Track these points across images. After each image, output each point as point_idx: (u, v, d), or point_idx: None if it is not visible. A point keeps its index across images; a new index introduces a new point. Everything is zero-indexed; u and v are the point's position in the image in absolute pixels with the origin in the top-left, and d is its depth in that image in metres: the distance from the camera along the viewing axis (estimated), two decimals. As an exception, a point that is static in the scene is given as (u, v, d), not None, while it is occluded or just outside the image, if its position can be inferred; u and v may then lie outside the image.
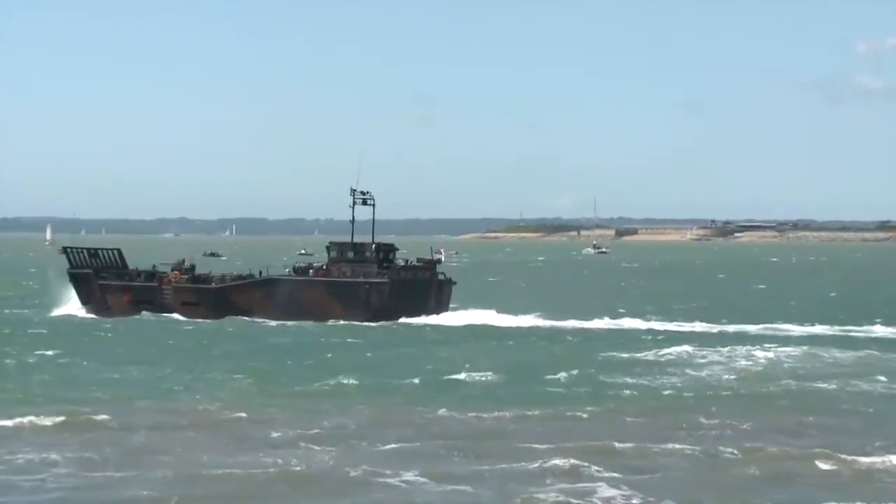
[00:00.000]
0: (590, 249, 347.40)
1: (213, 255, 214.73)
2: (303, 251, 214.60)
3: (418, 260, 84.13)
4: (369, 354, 60.63)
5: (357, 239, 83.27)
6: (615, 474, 32.70)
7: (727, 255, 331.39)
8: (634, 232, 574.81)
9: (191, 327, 74.73)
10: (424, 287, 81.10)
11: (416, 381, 50.13)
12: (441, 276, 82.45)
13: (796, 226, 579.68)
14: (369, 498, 30.26)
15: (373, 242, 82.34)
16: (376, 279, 79.29)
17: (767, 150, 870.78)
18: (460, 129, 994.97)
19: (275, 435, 37.43)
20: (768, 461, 34.88)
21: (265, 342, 66.28)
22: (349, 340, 67.46)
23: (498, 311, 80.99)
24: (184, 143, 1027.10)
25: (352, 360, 57.46)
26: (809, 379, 52.58)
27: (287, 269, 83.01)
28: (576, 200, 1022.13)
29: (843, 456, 35.02)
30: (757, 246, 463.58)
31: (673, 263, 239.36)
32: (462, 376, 51.71)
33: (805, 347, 64.76)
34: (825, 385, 50.77)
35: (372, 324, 75.99)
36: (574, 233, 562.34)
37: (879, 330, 75.46)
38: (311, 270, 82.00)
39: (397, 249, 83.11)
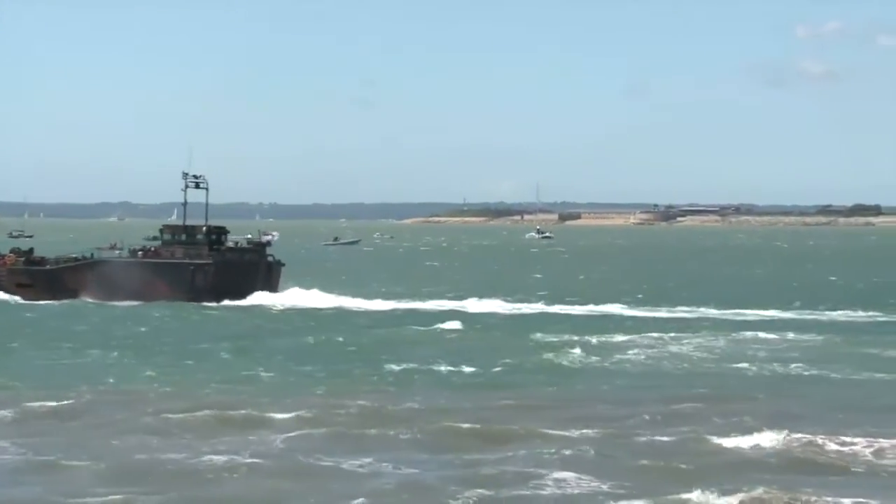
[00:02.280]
0: (534, 234, 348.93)
1: (155, 238, 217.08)
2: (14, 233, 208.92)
3: (248, 242, 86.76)
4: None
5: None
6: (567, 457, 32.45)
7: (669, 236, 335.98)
8: (578, 216, 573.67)
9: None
10: (252, 268, 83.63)
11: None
12: (270, 258, 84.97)
13: (738, 210, 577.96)
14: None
15: (204, 225, 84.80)
16: (201, 260, 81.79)
17: (710, 134, 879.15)
18: (404, 115, 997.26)
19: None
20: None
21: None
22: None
23: (353, 296, 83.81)
24: (128, 127, 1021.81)
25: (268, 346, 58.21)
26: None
27: (118, 252, 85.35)
28: (519, 185, 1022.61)
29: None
30: (699, 230, 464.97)
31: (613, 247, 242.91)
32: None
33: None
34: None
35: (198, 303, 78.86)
36: (518, 217, 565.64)
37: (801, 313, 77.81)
38: (140, 252, 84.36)
39: (228, 232, 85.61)
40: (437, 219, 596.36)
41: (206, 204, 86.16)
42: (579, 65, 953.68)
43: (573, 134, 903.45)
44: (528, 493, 29.26)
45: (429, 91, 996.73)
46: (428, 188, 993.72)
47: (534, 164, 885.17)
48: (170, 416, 37.78)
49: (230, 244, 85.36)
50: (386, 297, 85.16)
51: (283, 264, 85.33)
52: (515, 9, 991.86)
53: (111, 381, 45.89)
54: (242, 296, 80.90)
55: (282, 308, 78.51)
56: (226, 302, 79.54)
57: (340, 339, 61.85)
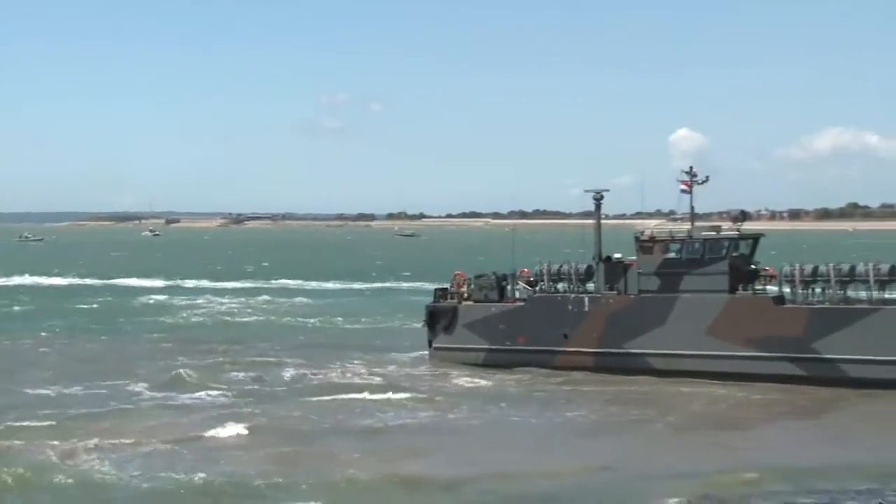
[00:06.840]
0: (147, 233, 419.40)
1: None
2: None
3: None
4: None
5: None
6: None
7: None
8: (178, 221, 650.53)
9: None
10: None
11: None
12: None
13: (285, 217, 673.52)
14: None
15: None
16: None
17: (271, 164, 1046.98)
18: (54, 138, 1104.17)
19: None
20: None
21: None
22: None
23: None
24: None
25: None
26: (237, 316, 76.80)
27: None
28: (139, 197, 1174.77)
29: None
30: (259, 231, 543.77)
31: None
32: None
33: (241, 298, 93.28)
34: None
35: None
36: (137, 221, 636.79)
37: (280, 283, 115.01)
38: None
39: None
40: (82, 223, 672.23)
41: None
42: (181, 104, 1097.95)
43: (177, 158, 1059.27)
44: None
45: (65, 121, 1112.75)
46: (76, 199, 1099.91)
47: (148, 181, 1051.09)
48: None
49: None
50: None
51: None
52: (130, 59, 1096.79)
53: None
54: None
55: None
56: None
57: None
